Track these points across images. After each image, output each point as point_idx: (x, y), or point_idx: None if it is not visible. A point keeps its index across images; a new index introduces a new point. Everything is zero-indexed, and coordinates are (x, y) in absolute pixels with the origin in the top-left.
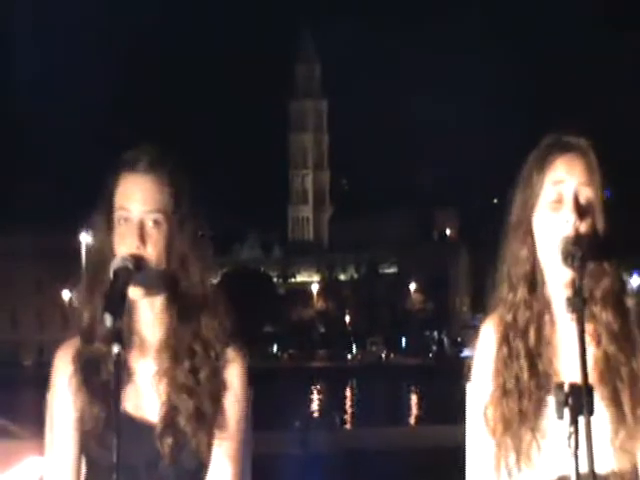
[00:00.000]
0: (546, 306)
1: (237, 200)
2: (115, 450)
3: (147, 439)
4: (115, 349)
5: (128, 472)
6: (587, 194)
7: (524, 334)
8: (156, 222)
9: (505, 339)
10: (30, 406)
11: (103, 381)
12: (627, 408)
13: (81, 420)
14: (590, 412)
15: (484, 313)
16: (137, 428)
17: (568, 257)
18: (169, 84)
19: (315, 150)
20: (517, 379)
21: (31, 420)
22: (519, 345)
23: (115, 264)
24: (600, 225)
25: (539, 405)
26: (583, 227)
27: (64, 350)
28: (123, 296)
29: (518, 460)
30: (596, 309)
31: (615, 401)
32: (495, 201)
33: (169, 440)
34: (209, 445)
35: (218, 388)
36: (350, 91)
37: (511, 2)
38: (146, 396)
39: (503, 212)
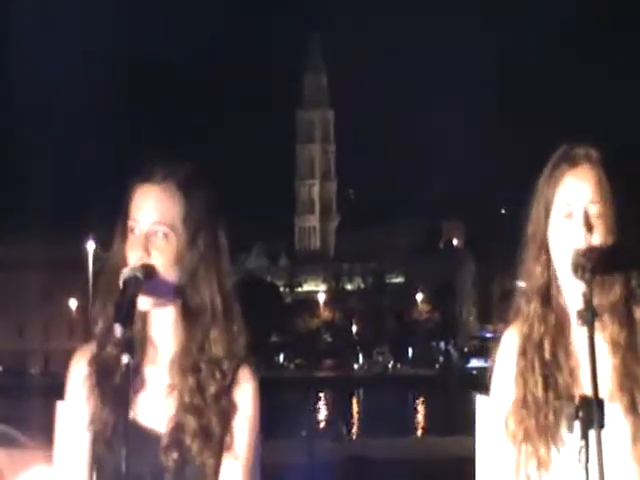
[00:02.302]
0: (564, 318)
1: (243, 209)
2: (124, 460)
3: (153, 449)
4: (124, 359)
5: None
6: (597, 209)
7: (539, 347)
8: (165, 234)
9: (522, 352)
10: (36, 415)
11: (115, 386)
12: None
13: (92, 421)
14: (601, 426)
15: (496, 324)
16: (144, 437)
17: (578, 269)
18: (177, 95)
19: (322, 160)
20: (534, 392)
21: (37, 429)
22: (535, 358)
23: (125, 274)
24: (611, 238)
25: (558, 415)
26: (594, 240)
27: (81, 353)
28: (133, 306)
29: (538, 467)
30: (606, 320)
31: (633, 410)
32: (502, 212)
33: (174, 455)
34: (216, 467)
35: (227, 409)
36: (357, 101)
37: (527, 21)
38: (156, 406)
39: (510, 223)
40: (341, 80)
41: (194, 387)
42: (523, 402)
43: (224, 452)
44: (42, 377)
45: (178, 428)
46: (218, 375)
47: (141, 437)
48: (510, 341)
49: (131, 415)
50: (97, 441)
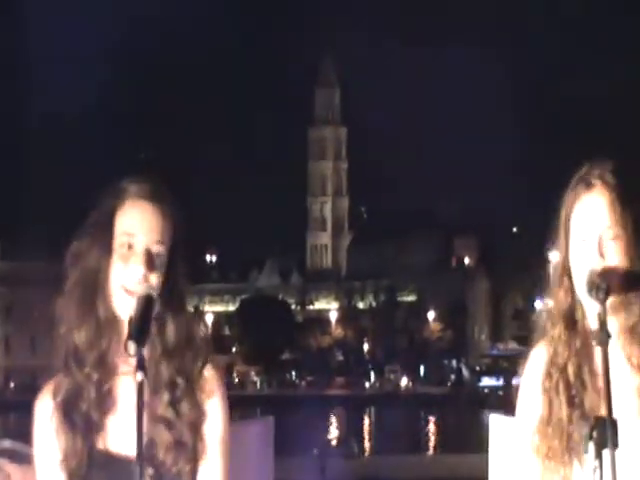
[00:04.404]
0: (589, 339)
1: (255, 227)
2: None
3: (129, 473)
4: (139, 377)
5: None
6: (612, 233)
7: (563, 369)
8: (159, 253)
9: (547, 373)
10: None
11: (83, 413)
12: None
13: (66, 460)
14: (614, 446)
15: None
16: (119, 463)
17: (592, 289)
18: (187, 110)
19: (334, 177)
20: (559, 413)
21: None
22: (559, 381)
23: (140, 291)
24: (626, 261)
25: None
26: (608, 264)
27: (42, 394)
28: (148, 323)
29: None
30: (625, 341)
31: None
32: (514, 230)
33: (149, 471)
34: (192, 472)
35: (198, 417)
36: (370, 118)
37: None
38: (126, 428)
39: (522, 241)
40: (354, 96)
41: (167, 402)
42: (548, 422)
43: (198, 457)
44: None
45: (150, 443)
46: (193, 388)
47: (116, 463)
48: (539, 357)
49: (102, 444)
50: (74, 478)
